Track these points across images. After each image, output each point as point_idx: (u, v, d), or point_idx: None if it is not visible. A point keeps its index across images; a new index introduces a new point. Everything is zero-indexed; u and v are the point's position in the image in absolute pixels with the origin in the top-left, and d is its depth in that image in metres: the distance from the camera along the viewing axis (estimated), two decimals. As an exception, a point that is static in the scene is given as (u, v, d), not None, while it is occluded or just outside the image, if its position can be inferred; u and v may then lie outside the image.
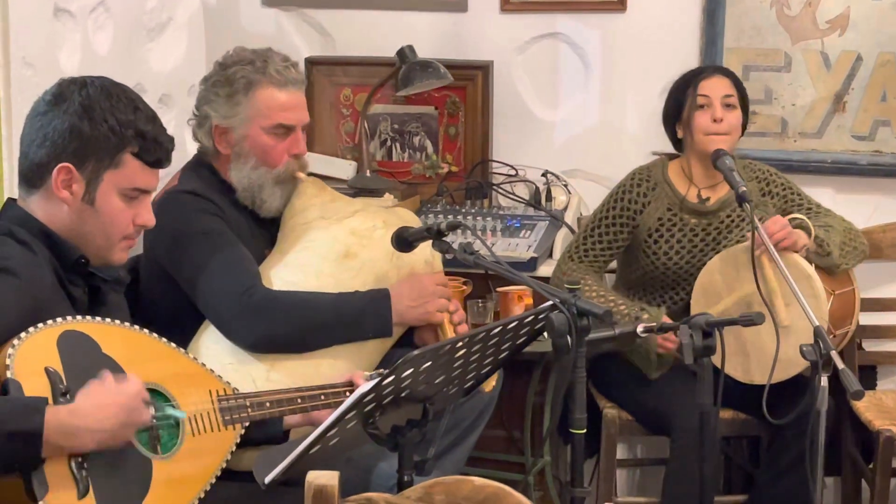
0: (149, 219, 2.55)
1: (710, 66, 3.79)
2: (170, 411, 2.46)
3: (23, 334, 2.27)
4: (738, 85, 3.63)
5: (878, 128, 4.13)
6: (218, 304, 2.91)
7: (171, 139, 2.56)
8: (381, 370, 2.74)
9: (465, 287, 3.63)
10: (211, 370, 2.62)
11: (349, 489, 2.08)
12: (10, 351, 2.23)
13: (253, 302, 2.88)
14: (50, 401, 2.23)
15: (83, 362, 2.34)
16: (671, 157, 3.76)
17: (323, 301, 2.94)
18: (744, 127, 3.66)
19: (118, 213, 2.50)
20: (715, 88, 3.60)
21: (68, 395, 2.26)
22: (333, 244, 3.03)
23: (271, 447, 2.73)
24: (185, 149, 3.26)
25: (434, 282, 3.06)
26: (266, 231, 3.18)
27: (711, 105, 3.58)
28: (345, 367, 2.92)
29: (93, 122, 2.43)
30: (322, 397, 2.74)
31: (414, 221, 3.15)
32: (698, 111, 3.60)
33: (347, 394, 2.71)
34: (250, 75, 3.06)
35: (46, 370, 2.26)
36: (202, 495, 2.47)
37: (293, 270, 3.00)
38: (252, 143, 3.08)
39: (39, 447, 2.16)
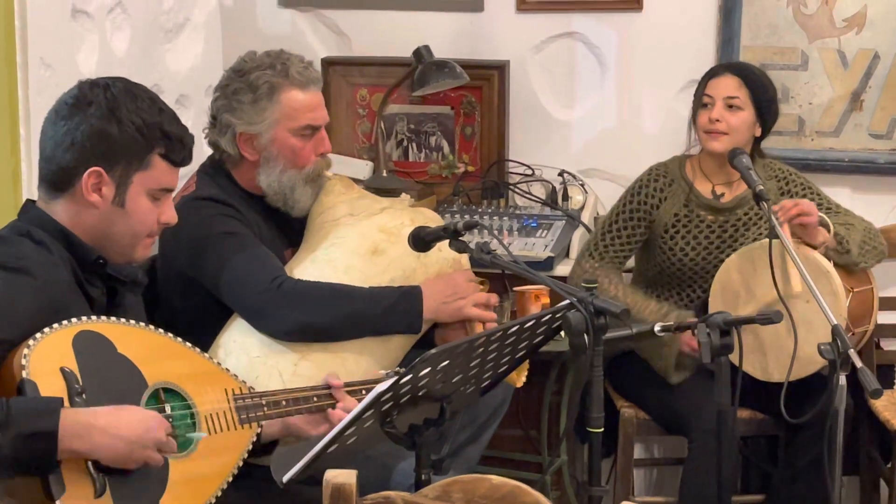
0: (172, 216, 2.57)
1: (724, 65, 3.79)
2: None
3: (38, 335, 2.27)
4: (751, 85, 3.60)
5: (896, 126, 4.12)
6: (248, 293, 2.91)
7: (192, 137, 2.58)
8: (399, 368, 2.74)
9: (482, 287, 3.62)
10: (226, 369, 2.63)
11: (369, 488, 2.08)
12: (25, 351, 2.24)
13: (284, 289, 2.89)
14: (66, 401, 2.23)
15: (99, 362, 2.34)
16: (689, 154, 3.77)
17: (355, 292, 2.95)
18: (766, 127, 3.65)
19: (147, 214, 2.51)
20: (719, 88, 3.60)
21: (84, 396, 2.26)
22: (362, 240, 3.04)
23: (288, 447, 2.74)
24: (202, 149, 3.27)
25: (466, 278, 3.07)
26: (285, 235, 3.18)
27: (713, 104, 3.59)
28: (369, 363, 2.93)
29: (121, 124, 2.44)
30: None
31: (437, 221, 3.15)
32: (702, 110, 3.63)
33: (364, 392, 2.71)
34: (273, 79, 3.06)
35: (62, 370, 2.27)
36: (219, 494, 2.47)
37: (322, 266, 3.01)
38: (280, 146, 3.08)
39: (55, 447, 2.17)
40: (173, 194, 2.60)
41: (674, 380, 3.60)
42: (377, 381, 2.74)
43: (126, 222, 2.50)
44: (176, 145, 2.51)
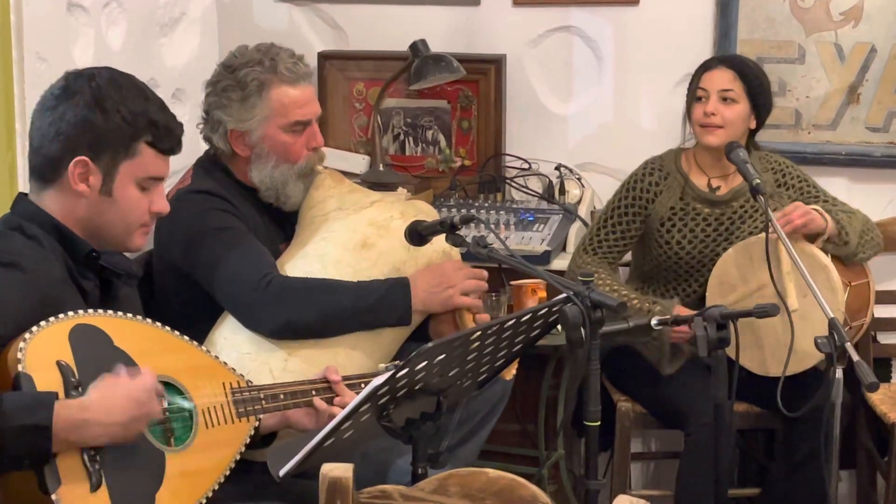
0: (164, 206, 2.56)
1: (718, 57, 3.78)
2: (180, 402, 2.45)
3: (34, 328, 2.27)
4: (746, 78, 3.59)
5: (893, 119, 4.12)
6: (237, 292, 2.91)
7: (181, 125, 2.56)
8: (397, 361, 2.74)
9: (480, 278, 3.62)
10: (224, 363, 2.62)
11: (365, 485, 2.08)
12: (21, 345, 2.23)
13: (272, 288, 2.88)
14: (62, 395, 2.23)
15: (95, 356, 2.34)
16: (684, 147, 3.77)
17: (343, 287, 2.94)
18: (761, 119, 3.65)
19: (135, 203, 2.50)
20: (714, 81, 3.59)
21: (80, 389, 2.26)
22: (352, 234, 3.04)
23: (285, 441, 2.74)
24: (199, 144, 3.28)
25: (454, 267, 3.06)
26: (280, 229, 3.18)
27: (708, 98, 3.58)
28: (361, 358, 2.93)
29: (105, 113, 2.43)
30: None
31: (430, 213, 3.15)
32: (696, 103, 3.62)
33: (363, 385, 2.71)
34: (261, 76, 3.04)
35: (58, 364, 2.26)
36: (216, 487, 2.47)
37: (312, 261, 3.00)
38: (271, 142, 3.07)
39: (49, 441, 2.16)
40: (165, 183, 2.58)
41: (666, 371, 3.60)
42: (375, 374, 2.74)
43: (115, 212, 2.49)
44: (163, 133, 2.49)
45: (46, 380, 2.23)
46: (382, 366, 2.84)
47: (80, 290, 2.48)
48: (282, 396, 2.65)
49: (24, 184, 3.19)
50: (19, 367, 2.21)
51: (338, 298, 2.92)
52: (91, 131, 2.43)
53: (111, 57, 3.63)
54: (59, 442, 2.17)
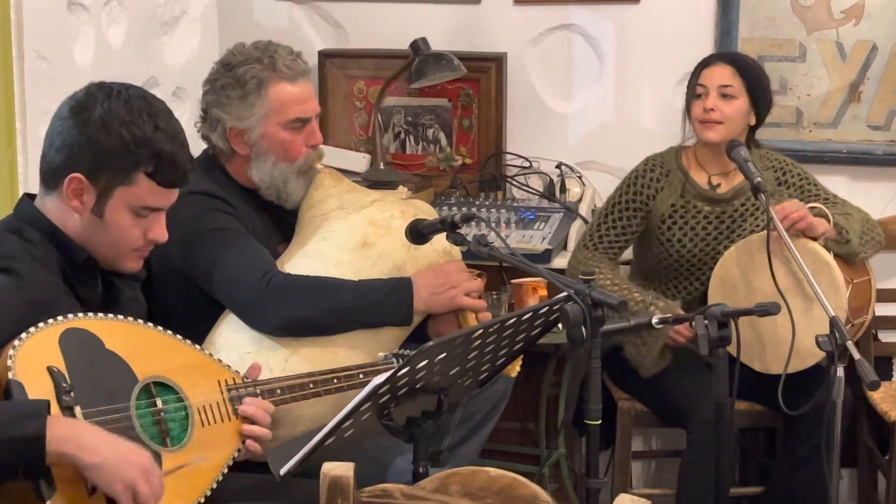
0: (161, 234, 2.51)
1: (717, 54, 3.78)
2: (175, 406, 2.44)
3: (23, 335, 2.25)
4: (745, 74, 3.59)
5: (894, 118, 4.11)
6: (237, 290, 2.90)
7: (191, 159, 2.51)
8: (402, 350, 2.74)
9: (479, 279, 3.62)
10: (219, 360, 2.61)
11: (366, 484, 2.08)
12: (11, 352, 2.22)
13: (273, 285, 2.88)
14: (53, 401, 2.21)
15: (86, 359, 2.32)
16: (685, 145, 3.77)
17: (345, 285, 2.94)
18: (760, 116, 3.64)
19: (127, 229, 2.47)
20: (713, 78, 3.59)
21: (72, 394, 2.24)
22: (352, 234, 3.03)
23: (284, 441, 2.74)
24: (199, 144, 3.28)
25: (457, 268, 3.06)
26: (279, 230, 3.17)
27: (707, 94, 3.58)
28: (361, 357, 2.92)
29: (110, 135, 2.39)
30: (335, 381, 2.72)
31: (430, 212, 3.15)
32: (696, 100, 3.62)
33: (362, 376, 2.71)
34: (260, 73, 3.03)
35: (49, 369, 2.25)
36: (214, 486, 2.46)
37: (312, 260, 3.00)
38: (270, 140, 3.07)
39: (43, 451, 2.13)
40: (165, 212, 2.53)
41: (646, 373, 3.58)
42: (374, 365, 2.74)
43: (105, 233, 2.46)
44: (165, 166, 2.44)
45: (38, 386, 2.22)
46: (381, 355, 2.83)
47: (76, 295, 2.46)
48: (279, 391, 2.64)
49: (24, 183, 3.19)
50: (10, 375, 2.19)
51: (339, 296, 2.92)
52: (91, 151, 2.40)
53: (112, 55, 3.63)
54: (51, 452, 2.13)
